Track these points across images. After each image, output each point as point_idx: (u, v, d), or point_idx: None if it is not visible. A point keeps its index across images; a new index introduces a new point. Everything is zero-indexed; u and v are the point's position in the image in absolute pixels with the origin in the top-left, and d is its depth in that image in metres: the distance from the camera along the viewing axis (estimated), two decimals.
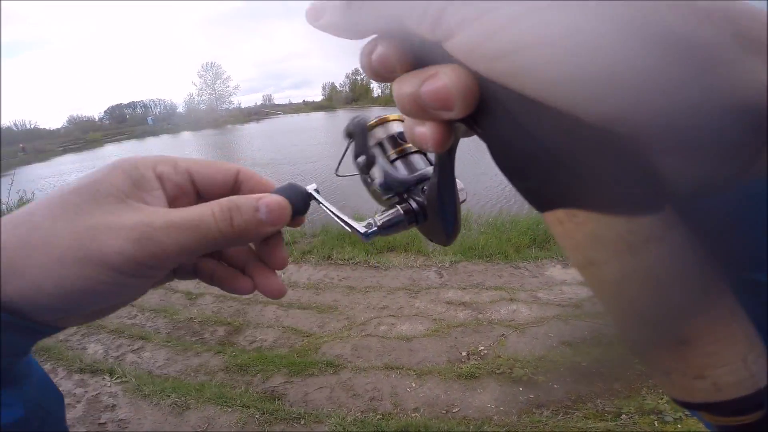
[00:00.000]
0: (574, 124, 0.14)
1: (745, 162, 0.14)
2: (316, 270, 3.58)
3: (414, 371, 2.19)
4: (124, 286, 0.21)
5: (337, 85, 73.81)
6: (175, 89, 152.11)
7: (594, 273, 0.18)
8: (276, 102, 78.33)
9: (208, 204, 0.23)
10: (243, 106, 69.26)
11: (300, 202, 0.27)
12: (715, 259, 0.17)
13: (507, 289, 3.11)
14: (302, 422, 1.86)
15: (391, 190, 0.30)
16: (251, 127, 33.27)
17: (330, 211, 0.29)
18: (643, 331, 0.19)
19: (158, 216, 0.21)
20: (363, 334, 2.57)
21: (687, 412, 1.76)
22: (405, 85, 0.17)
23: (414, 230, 0.33)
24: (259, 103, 75.48)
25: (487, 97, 0.15)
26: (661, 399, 1.83)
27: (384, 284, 3.26)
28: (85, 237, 0.20)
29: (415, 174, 0.30)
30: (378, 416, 1.91)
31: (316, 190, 0.29)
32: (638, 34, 0.12)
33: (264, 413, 1.91)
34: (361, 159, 0.31)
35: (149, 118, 60.70)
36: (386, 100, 59.40)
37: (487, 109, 0.16)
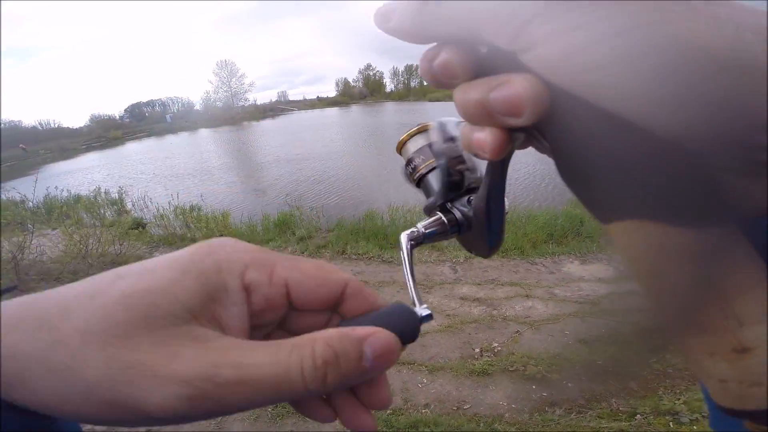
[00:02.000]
0: (646, 138, 0.14)
1: None
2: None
3: (426, 367, 2.19)
4: (162, 424, 0.17)
5: (350, 80, 73.95)
6: (192, 87, 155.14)
7: (657, 282, 0.19)
8: (290, 98, 78.78)
9: (298, 347, 0.18)
10: (258, 102, 69.98)
11: (409, 333, 0.21)
12: None
13: (523, 285, 3.07)
14: None
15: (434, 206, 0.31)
16: (267, 124, 33.59)
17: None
18: (705, 338, 0.19)
19: (226, 362, 0.16)
20: None
21: (704, 413, 1.71)
22: (472, 92, 0.17)
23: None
24: (273, 100, 76.07)
25: (558, 108, 0.16)
26: (678, 399, 1.78)
27: (397, 279, 3.26)
28: (120, 378, 0.15)
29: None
30: (388, 411, 1.91)
31: (430, 315, 0.23)
32: (708, 58, 0.13)
33: (276, 407, 1.94)
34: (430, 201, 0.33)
35: (168, 116, 61.79)
36: (399, 96, 59.15)
37: (557, 120, 0.16)
